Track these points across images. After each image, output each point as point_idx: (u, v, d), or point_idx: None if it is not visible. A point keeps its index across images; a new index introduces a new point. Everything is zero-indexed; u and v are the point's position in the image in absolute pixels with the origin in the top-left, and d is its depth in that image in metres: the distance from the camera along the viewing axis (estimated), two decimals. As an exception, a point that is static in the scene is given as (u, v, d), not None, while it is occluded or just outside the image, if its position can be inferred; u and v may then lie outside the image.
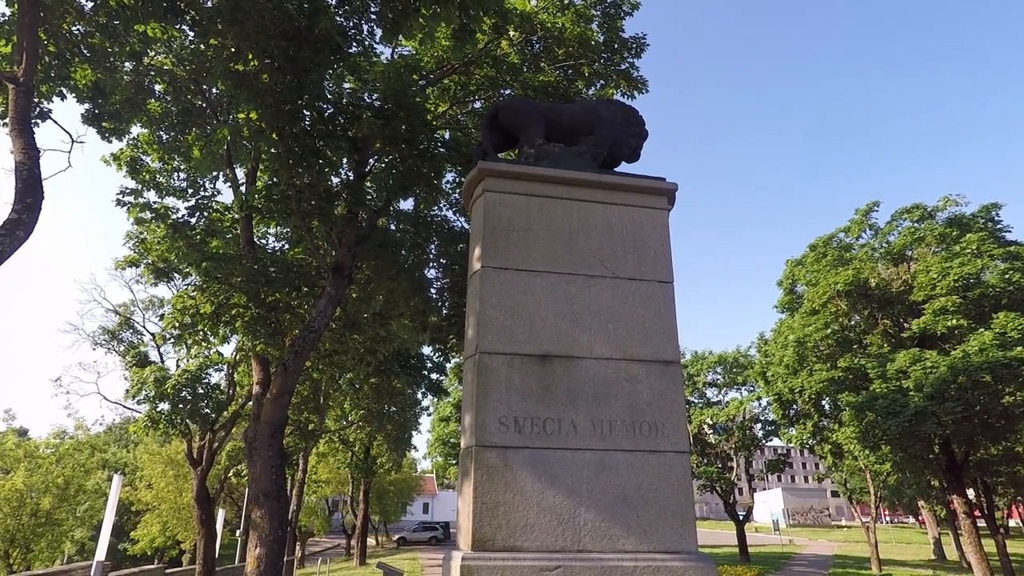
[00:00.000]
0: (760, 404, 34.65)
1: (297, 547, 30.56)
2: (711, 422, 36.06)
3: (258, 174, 11.28)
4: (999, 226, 21.01)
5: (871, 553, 27.68)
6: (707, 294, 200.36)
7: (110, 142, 9.47)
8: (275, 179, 10.25)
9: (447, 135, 12.35)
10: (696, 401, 37.61)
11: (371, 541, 42.65)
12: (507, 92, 11.38)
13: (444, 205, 13.11)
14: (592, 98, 11.51)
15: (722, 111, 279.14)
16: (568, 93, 11.40)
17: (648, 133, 5.41)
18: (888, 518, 69.71)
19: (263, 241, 13.53)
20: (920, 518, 44.06)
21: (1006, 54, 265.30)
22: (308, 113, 9.27)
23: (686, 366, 37.35)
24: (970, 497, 21.81)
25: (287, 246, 13.25)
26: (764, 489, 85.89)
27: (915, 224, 22.60)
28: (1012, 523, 60.13)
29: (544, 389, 3.72)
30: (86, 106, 8.77)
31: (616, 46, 11.21)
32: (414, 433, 27.44)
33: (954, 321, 18.21)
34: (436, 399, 30.39)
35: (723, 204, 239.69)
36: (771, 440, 37.80)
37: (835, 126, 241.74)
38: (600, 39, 11.19)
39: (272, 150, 9.22)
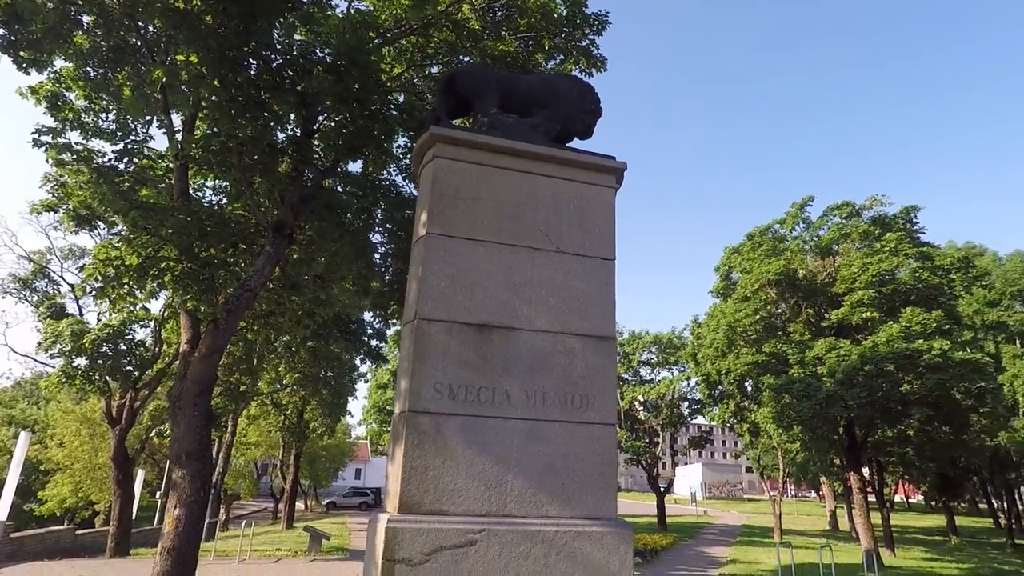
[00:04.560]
0: (689, 384, 36.20)
1: (222, 510, 29.92)
2: (643, 399, 37.37)
3: (197, 122, 10.68)
4: (916, 227, 22.63)
5: (775, 524, 29.93)
6: (650, 275, 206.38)
7: (28, 74, 8.67)
8: (215, 129, 9.73)
9: (401, 98, 12.05)
10: (630, 378, 38.77)
11: (300, 505, 42.27)
12: (466, 59, 11.19)
13: (394, 170, 12.85)
14: (551, 71, 11.49)
15: (672, 99, 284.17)
16: (527, 65, 11.32)
17: (603, 111, 5.47)
18: (793, 492, 75.25)
19: (200, 194, 12.87)
20: (821, 493, 47.82)
21: (945, 59, 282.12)
22: (254, 62, 8.82)
23: (623, 344, 38.43)
24: (865, 475, 23.90)
25: (226, 201, 12.67)
26: (686, 464, 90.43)
27: (843, 220, 24.00)
28: (898, 498, 66.43)
29: (481, 358, 3.77)
30: (1, 31, 7.99)
31: (578, 21, 11.17)
32: (350, 399, 27.20)
33: (868, 313, 19.62)
34: (375, 365, 30.14)
35: (674, 188, 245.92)
36: (696, 418, 39.67)
37: (784, 120, 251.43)
38: (563, 12, 11.12)
39: (213, 98, 8.72)
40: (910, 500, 70.14)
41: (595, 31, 11.35)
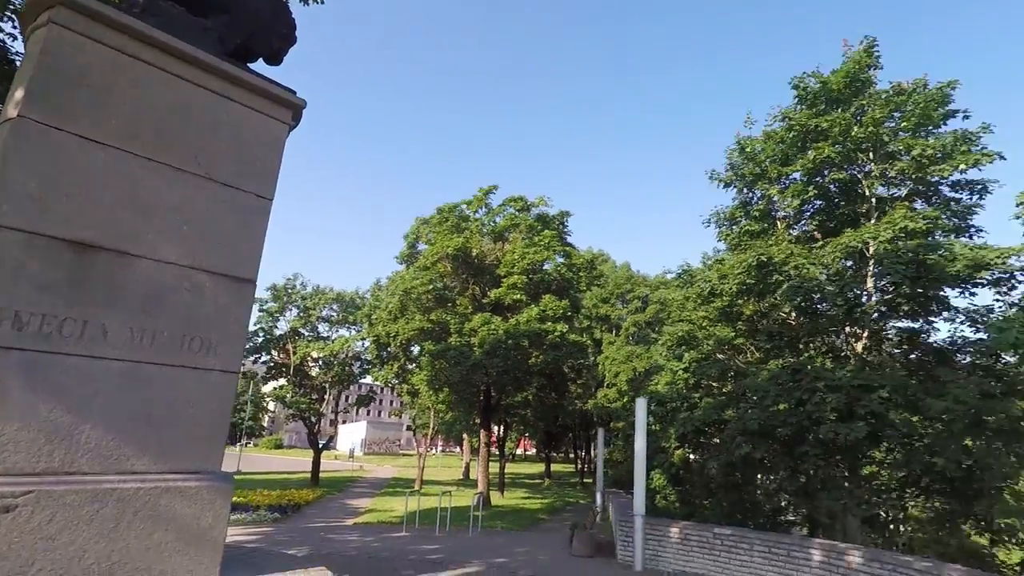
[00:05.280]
0: (363, 344, 37.12)
1: None
2: (316, 355, 36.84)
3: None
4: (566, 229, 27.46)
5: (418, 475, 33.25)
6: (359, 233, 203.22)
7: None
8: None
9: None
10: (307, 334, 37.88)
11: None
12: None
13: (13, 28, 9.58)
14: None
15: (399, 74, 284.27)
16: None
17: (297, 40, 5.07)
18: (442, 448, 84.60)
19: None
20: (463, 448, 54.99)
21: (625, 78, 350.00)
22: None
23: (305, 298, 37.22)
24: (496, 432, 28.47)
25: None
26: (353, 421, 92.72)
27: (516, 212, 27.52)
28: (519, 451, 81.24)
29: (75, 283, 3.10)
30: None
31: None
32: None
33: (519, 296, 23.09)
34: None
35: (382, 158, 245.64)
36: (365, 377, 41.01)
37: (499, 111, 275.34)
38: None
39: None
40: (527, 453, 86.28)
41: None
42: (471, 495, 25.70)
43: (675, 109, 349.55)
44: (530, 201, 27.27)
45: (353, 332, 42.77)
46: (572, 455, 54.19)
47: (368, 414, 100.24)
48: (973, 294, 12.75)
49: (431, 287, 24.38)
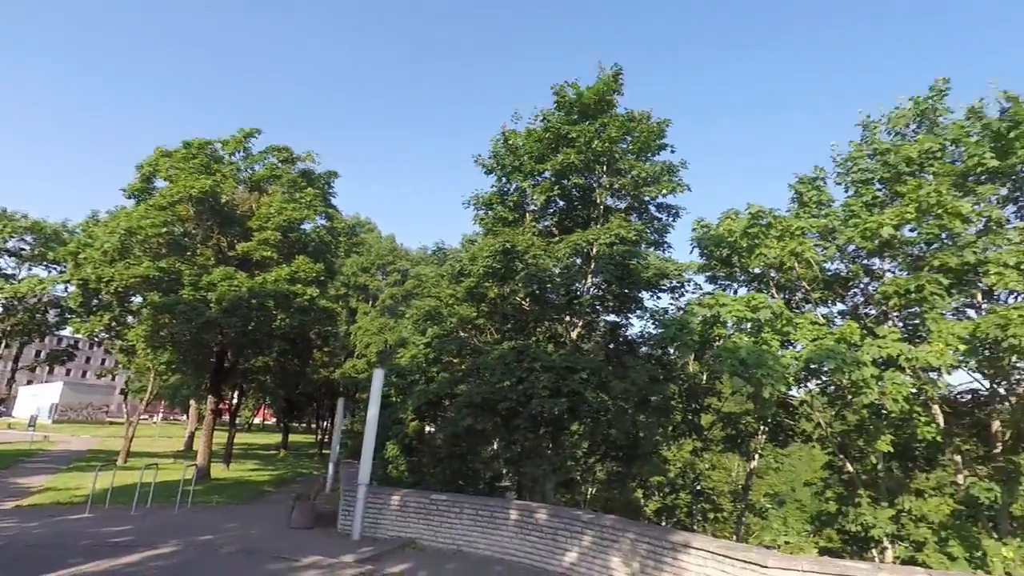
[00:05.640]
0: (65, 288, 30.77)
1: None
2: (-7, 297, 29.29)
3: None
4: (331, 190, 26.09)
5: (124, 447, 28.62)
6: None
7: None
8: None
9: None
10: (-20, 268, 29.91)
11: None
12: None
13: None
14: None
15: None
16: None
17: None
18: (164, 416, 74.30)
19: None
20: (189, 415, 49.00)
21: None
22: None
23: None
24: (230, 398, 25.94)
25: None
26: (45, 381, 76.32)
27: (279, 163, 25.18)
28: (257, 420, 75.68)
29: None
30: None
31: None
32: None
33: (270, 253, 21.28)
34: None
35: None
36: (64, 328, 34.36)
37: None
38: None
39: None
40: (266, 422, 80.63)
41: None
42: (188, 468, 23.19)
43: (471, 98, 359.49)
44: (296, 154, 25.21)
45: (53, 273, 35.28)
46: (314, 425, 52.38)
47: (68, 374, 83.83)
48: (659, 297, 15.90)
49: (165, 230, 20.94)
